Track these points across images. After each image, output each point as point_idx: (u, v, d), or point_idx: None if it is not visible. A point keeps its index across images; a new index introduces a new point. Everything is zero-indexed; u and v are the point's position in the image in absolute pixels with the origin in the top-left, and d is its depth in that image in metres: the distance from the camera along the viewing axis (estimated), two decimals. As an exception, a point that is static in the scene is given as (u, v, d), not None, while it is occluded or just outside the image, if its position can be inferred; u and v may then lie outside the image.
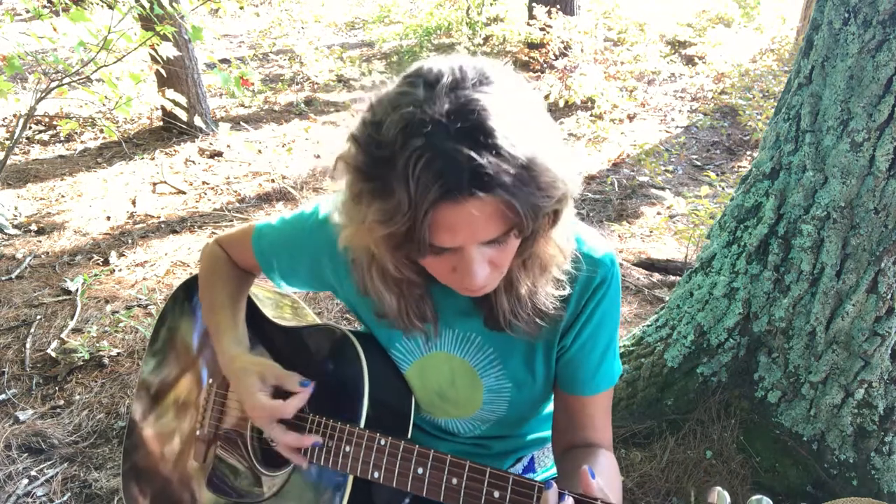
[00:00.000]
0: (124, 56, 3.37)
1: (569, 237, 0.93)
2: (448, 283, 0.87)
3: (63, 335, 2.74)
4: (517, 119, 0.73)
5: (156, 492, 1.26)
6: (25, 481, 2.05)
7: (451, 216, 0.73)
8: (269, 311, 1.27)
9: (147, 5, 3.28)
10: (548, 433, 1.24)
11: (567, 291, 0.97)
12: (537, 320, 0.97)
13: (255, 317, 1.24)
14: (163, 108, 5.16)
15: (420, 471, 0.92)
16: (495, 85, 0.74)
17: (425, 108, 0.71)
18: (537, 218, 0.76)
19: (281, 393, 1.05)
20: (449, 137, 0.69)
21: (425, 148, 0.69)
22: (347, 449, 0.99)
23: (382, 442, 0.97)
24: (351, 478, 1.00)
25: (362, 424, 1.01)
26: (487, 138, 0.70)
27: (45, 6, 7.06)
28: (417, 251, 0.76)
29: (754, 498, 0.74)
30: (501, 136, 0.70)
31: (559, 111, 5.70)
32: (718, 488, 0.77)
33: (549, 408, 1.22)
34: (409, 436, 1.10)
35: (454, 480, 0.89)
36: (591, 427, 1.06)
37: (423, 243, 0.74)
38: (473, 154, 0.69)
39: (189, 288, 1.34)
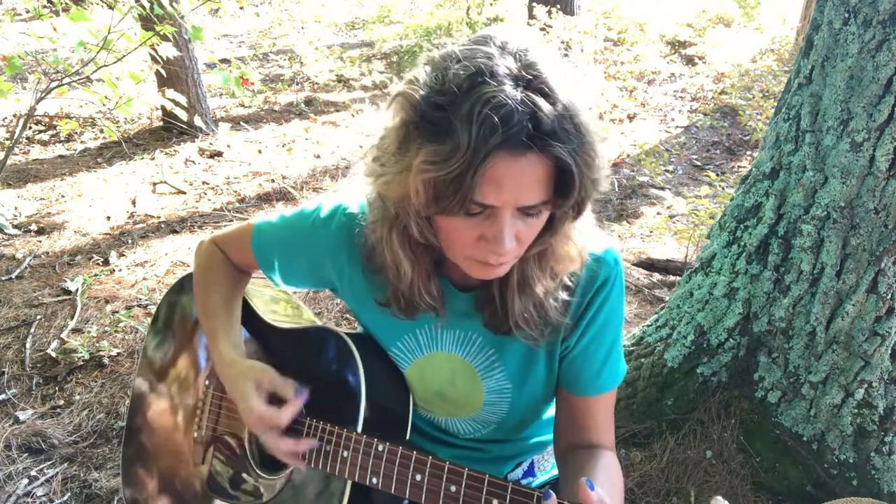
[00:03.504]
0: (124, 56, 3.37)
1: (584, 244, 0.93)
2: (464, 256, 0.86)
3: (63, 335, 2.74)
4: (577, 87, 0.77)
5: (157, 494, 1.25)
6: (25, 481, 2.05)
7: (504, 169, 0.74)
8: (265, 312, 1.26)
9: (147, 5, 3.27)
10: (548, 437, 1.24)
11: (575, 299, 0.96)
12: (543, 324, 0.96)
13: (250, 318, 1.23)
14: (163, 108, 5.16)
15: (418, 477, 0.91)
16: (556, 55, 0.79)
17: (495, 61, 0.74)
18: (580, 191, 0.78)
19: (276, 399, 1.04)
20: (518, 87, 0.73)
21: (496, 93, 0.71)
22: (345, 454, 0.98)
23: (380, 448, 0.95)
24: (349, 483, 0.99)
25: (360, 428, 1.00)
26: (553, 94, 0.74)
27: (45, 6, 7.05)
28: (459, 204, 0.75)
29: None
30: (564, 96, 0.75)
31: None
32: (719, 497, 0.74)
33: (550, 412, 1.21)
34: (408, 437, 1.10)
35: (452, 488, 0.87)
36: (593, 428, 1.05)
37: (468, 194, 0.74)
38: (541, 105, 0.72)
39: (181, 290, 1.32)
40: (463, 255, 0.86)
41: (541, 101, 0.72)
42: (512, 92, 0.72)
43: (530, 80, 0.73)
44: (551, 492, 0.80)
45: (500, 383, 1.07)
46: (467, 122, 0.71)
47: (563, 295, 0.95)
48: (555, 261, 0.91)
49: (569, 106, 0.75)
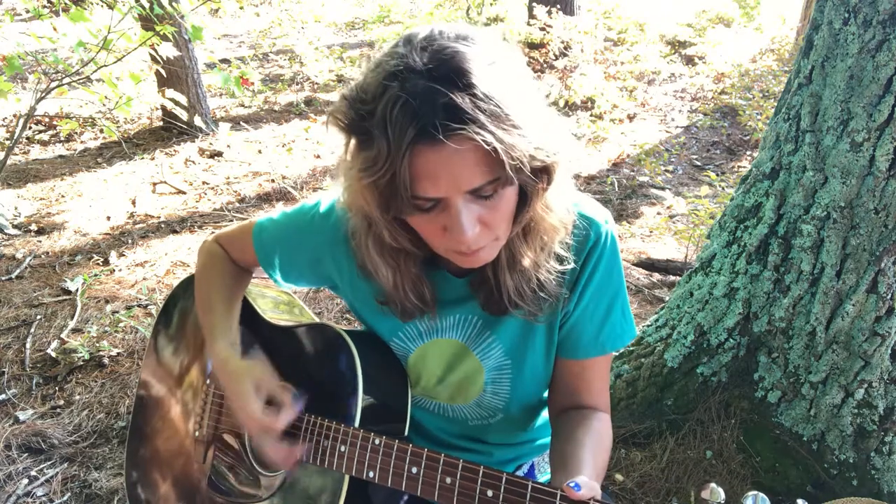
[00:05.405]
0: (124, 56, 3.37)
1: (569, 209, 0.92)
2: (444, 249, 0.86)
3: (63, 335, 2.74)
4: (494, 66, 0.75)
5: (159, 494, 1.26)
6: (25, 481, 2.05)
7: (430, 161, 0.74)
8: (264, 310, 1.26)
9: (147, 5, 3.27)
10: (548, 439, 1.24)
11: (570, 266, 0.96)
12: (540, 298, 0.97)
13: (249, 316, 1.23)
14: (163, 108, 5.16)
15: (414, 470, 0.92)
16: (474, 39, 0.77)
17: (404, 60, 0.75)
18: (522, 166, 0.76)
19: (274, 402, 1.05)
20: (423, 80, 0.73)
21: (401, 92, 0.72)
22: (342, 449, 1.00)
23: (377, 441, 0.97)
24: (347, 477, 1.00)
25: (357, 423, 1.01)
26: (462, 78, 0.73)
27: (45, 6, 7.05)
28: (405, 202, 0.76)
29: (750, 494, 0.74)
30: (476, 77, 0.73)
31: (559, 111, 5.69)
32: (712, 484, 0.77)
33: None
34: (406, 433, 1.10)
35: (448, 479, 0.89)
36: (586, 391, 1.06)
37: (405, 193, 0.75)
38: (447, 92, 0.72)
39: (187, 288, 1.33)
40: (443, 248, 0.86)
41: (448, 88, 0.72)
42: (417, 86, 0.72)
43: (432, 70, 0.73)
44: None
45: (499, 360, 1.07)
46: (382, 127, 0.73)
47: (557, 266, 0.95)
48: (541, 233, 0.91)
49: (483, 83, 0.73)
